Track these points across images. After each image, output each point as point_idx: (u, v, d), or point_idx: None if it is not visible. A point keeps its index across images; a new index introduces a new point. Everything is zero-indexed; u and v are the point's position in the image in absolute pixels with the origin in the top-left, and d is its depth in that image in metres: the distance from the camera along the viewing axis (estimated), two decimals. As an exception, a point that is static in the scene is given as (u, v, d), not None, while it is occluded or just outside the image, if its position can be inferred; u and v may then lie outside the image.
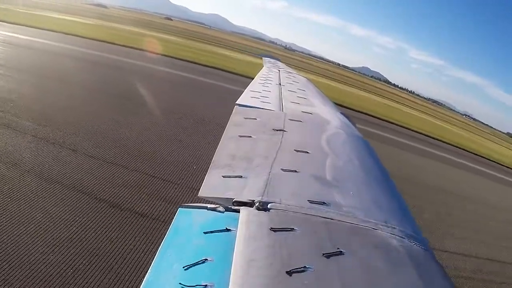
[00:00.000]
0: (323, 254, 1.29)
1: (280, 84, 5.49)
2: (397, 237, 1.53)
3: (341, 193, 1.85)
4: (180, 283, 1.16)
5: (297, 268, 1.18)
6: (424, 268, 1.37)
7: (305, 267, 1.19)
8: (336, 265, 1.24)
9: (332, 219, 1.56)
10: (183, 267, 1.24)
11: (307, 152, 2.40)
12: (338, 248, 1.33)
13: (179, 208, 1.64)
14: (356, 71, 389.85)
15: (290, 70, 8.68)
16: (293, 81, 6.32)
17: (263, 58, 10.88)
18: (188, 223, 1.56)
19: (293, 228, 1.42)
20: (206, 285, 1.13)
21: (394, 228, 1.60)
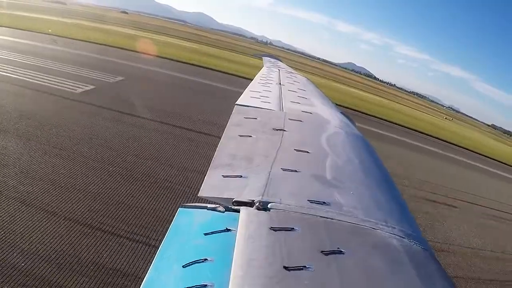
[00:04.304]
0: (323, 253, 1.29)
1: (280, 83, 5.50)
2: (397, 236, 1.53)
3: (341, 193, 1.86)
4: (180, 283, 1.16)
5: (297, 268, 1.18)
6: (424, 267, 1.38)
7: (305, 266, 1.20)
8: (336, 264, 1.24)
9: (332, 218, 1.56)
10: (183, 267, 1.24)
11: (307, 152, 2.41)
12: (338, 248, 1.33)
13: (179, 208, 1.64)
14: (341, 67, 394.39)
15: (290, 69, 8.71)
16: (294, 81, 6.32)
17: (263, 58, 10.90)
18: (188, 223, 1.56)
19: (293, 228, 1.42)
20: (206, 285, 1.13)
21: (394, 227, 1.61)
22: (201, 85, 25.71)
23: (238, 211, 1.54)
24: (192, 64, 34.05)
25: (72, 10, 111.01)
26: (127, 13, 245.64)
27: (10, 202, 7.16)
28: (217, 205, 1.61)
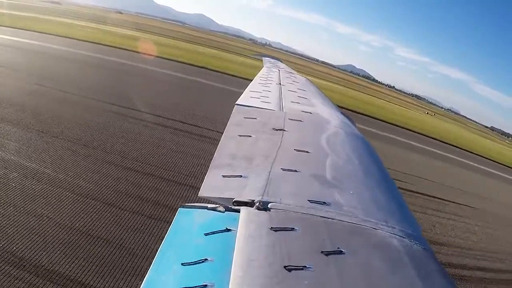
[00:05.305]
0: (323, 253, 1.29)
1: (280, 84, 5.51)
2: (397, 236, 1.53)
3: (341, 193, 1.85)
4: (180, 283, 1.16)
5: (297, 268, 1.18)
6: (424, 267, 1.38)
7: (305, 266, 1.19)
8: (336, 264, 1.24)
9: (332, 218, 1.56)
10: (183, 267, 1.24)
11: (307, 152, 2.41)
12: (338, 248, 1.33)
13: (179, 208, 1.64)
14: (341, 69, 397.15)
15: (290, 70, 8.77)
16: (293, 81, 6.34)
17: (263, 58, 11.01)
18: (188, 223, 1.55)
19: (293, 228, 1.42)
20: (206, 285, 1.13)
21: (394, 227, 1.60)
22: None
23: (238, 211, 1.54)
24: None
25: (56, 9, 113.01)
26: (121, 13, 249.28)
27: None
28: (217, 205, 1.61)
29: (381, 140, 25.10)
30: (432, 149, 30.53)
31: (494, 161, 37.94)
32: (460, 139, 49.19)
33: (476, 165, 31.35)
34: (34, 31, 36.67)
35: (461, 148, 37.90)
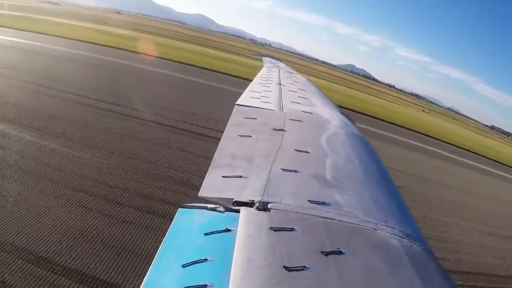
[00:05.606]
0: (323, 253, 1.29)
1: (280, 84, 5.51)
2: (397, 237, 1.53)
3: (341, 193, 1.85)
4: (180, 283, 1.16)
5: (297, 268, 1.18)
6: (424, 267, 1.37)
7: (305, 266, 1.19)
8: (336, 264, 1.24)
9: (332, 219, 1.56)
10: (183, 267, 1.24)
11: (307, 152, 2.40)
12: (338, 248, 1.33)
13: (179, 208, 1.64)
14: (341, 69, 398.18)
15: (290, 70, 8.76)
16: (293, 81, 6.34)
17: (263, 58, 11.04)
18: (188, 223, 1.56)
19: (293, 228, 1.42)
20: (206, 285, 1.13)
21: (394, 228, 1.60)
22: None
23: (238, 211, 1.54)
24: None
25: (55, 10, 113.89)
26: (120, 13, 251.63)
27: None
28: (217, 205, 1.61)
29: (379, 139, 25.21)
30: (432, 148, 30.72)
31: (493, 160, 38.15)
32: (461, 138, 49.89)
33: (475, 163, 31.47)
34: (33, 32, 36.99)
35: (460, 147, 38.26)
